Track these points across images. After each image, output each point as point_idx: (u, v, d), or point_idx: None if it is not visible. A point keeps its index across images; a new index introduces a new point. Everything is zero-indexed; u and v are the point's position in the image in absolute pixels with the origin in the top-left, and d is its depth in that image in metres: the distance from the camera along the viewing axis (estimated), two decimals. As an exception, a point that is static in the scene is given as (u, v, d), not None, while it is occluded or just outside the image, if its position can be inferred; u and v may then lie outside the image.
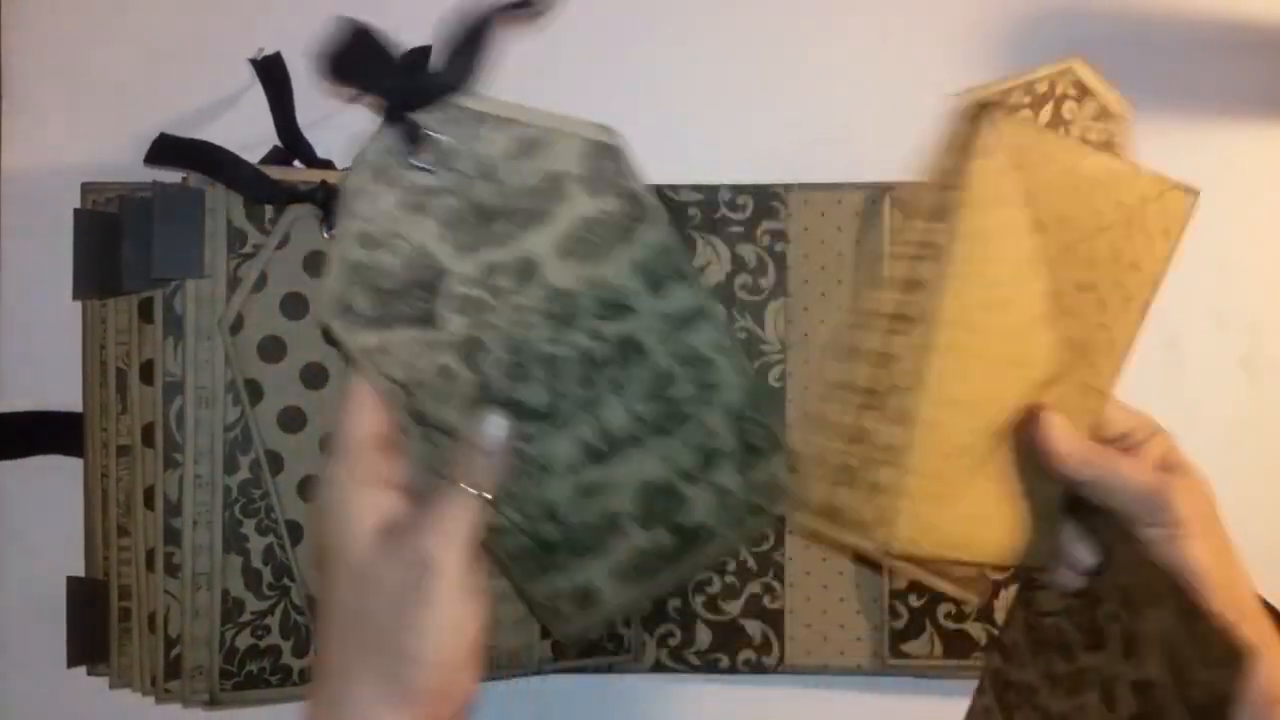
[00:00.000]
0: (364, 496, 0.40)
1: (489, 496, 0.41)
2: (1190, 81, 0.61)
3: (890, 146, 0.60)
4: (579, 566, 0.45)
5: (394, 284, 0.42)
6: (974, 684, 0.59)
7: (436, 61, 0.41)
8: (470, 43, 0.42)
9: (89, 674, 0.57)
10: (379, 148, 0.42)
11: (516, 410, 0.43)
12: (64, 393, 0.58)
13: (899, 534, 0.45)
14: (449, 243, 0.42)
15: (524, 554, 0.44)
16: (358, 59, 0.41)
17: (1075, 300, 0.46)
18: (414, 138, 0.41)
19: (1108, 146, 0.47)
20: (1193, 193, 0.48)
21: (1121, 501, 0.46)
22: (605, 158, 0.43)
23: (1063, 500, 0.48)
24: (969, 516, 0.46)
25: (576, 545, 0.45)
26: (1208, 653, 0.43)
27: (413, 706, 0.39)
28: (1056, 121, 0.47)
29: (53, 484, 0.59)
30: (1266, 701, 0.42)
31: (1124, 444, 0.48)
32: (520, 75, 0.60)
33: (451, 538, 0.39)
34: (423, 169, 0.41)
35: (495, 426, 0.42)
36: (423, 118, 0.41)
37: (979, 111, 0.44)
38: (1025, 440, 0.47)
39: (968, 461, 0.46)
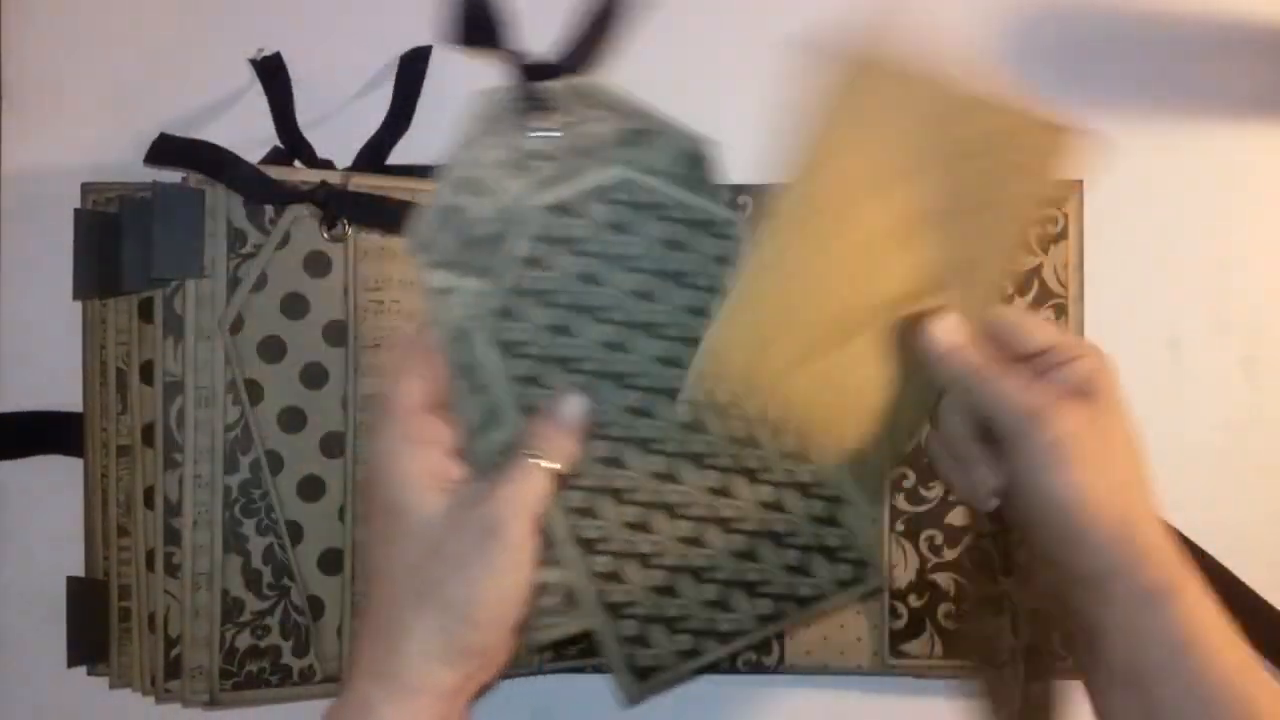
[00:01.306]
0: (420, 457, 0.41)
1: (560, 469, 0.42)
2: (1190, 81, 0.61)
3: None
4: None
5: (478, 233, 0.44)
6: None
7: (565, 39, 0.45)
8: (597, 26, 0.46)
9: (89, 674, 0.57)
10: (498, 104, 0.44)
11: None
12: (63, 393, 0.58)
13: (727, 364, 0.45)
14: (538, 206, 0.45)
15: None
16: (487, 23, 0.45)
17: (943, 222, 0.46)
18: (533, 105, 0.43)
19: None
20: (1066, 131, 0.47)
21: (997, 417, 0.43)
22: (694, 163, 0.47)
23: (953, 413, 0.46)
24: (807, 387, 0.46)
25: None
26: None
27: (464, 664, 0.40)
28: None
29: (52, 484, 0.59)
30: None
31: (1038, 364, 0.45)
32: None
33: (521, 508, 0.41)
34: (536, 134, 0.44)
35: (574, 405, 0.43)
36: (545, 88, 0.44)
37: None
38: (909, 340, 0.45)
39: (803, 339, 0.46)
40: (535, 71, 0.45)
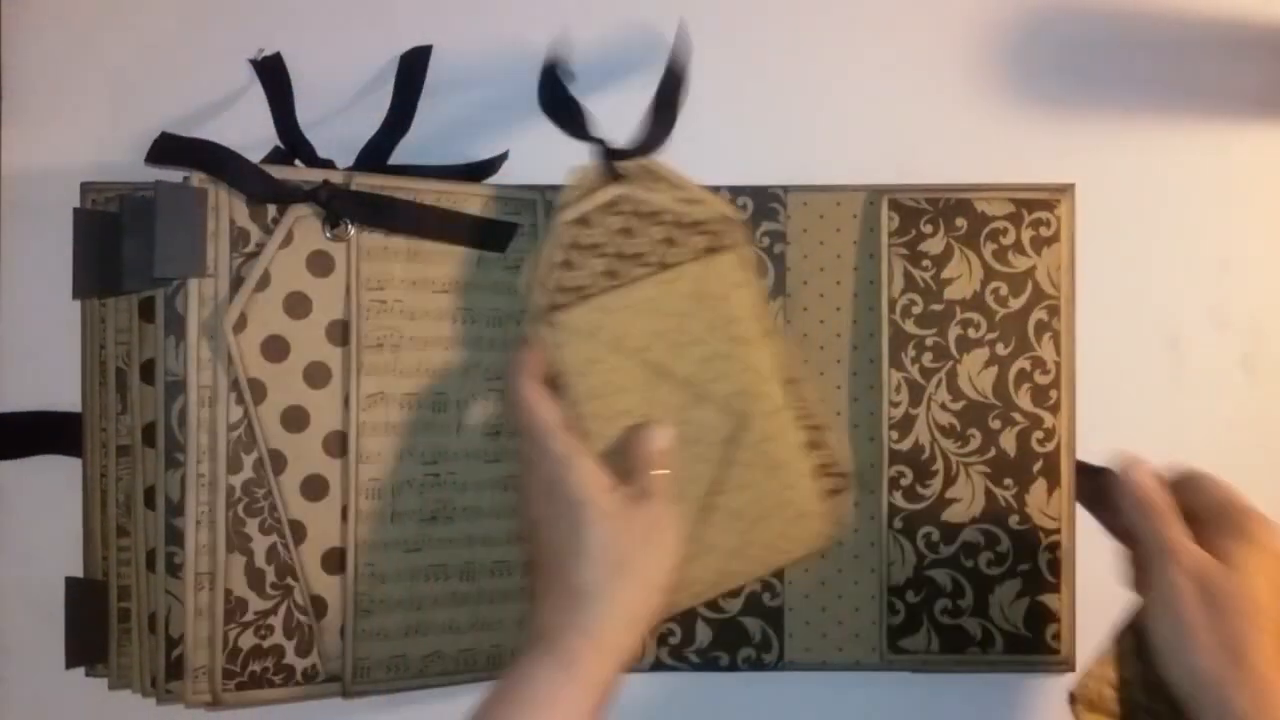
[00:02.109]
0: (586, 465, 0.51)
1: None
2: (1190, 81, 0.62)
3: (888, 149, 0.61)
4: None
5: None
6: (971, 677, 0.60)
7: (642, 124, 0.56)
8: (665, 110, 0.57)
9: (87, 675, 0.56)
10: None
11: None
12: (62, 393, 0.58)
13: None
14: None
15: None
16: (571, 110, 0.56)
17: (710, 371, 0.56)
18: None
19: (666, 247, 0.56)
20: (732, 249, 0.57)
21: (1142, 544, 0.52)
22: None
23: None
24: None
25: None
26: None
27: (642, 627, 0.50)
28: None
29: (51, 484, 0.58)
30: None
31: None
32: (529, 74, 0.61)
33: (674, 511, 0.52)
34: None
35: (663, 436, 0.54)
36: (621, 165, 0.56)
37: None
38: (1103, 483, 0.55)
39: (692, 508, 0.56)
40: (619, 154, 0.56)
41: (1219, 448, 0.61)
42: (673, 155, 0.61)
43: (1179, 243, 0.62)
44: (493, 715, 0.47)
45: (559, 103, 0.57)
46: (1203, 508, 0.51)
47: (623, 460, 0.53)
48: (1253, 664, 0.47)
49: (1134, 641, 0.52)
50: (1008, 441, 0.60)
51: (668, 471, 0.53)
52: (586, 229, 0.55)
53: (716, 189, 0.60)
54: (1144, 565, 0.51)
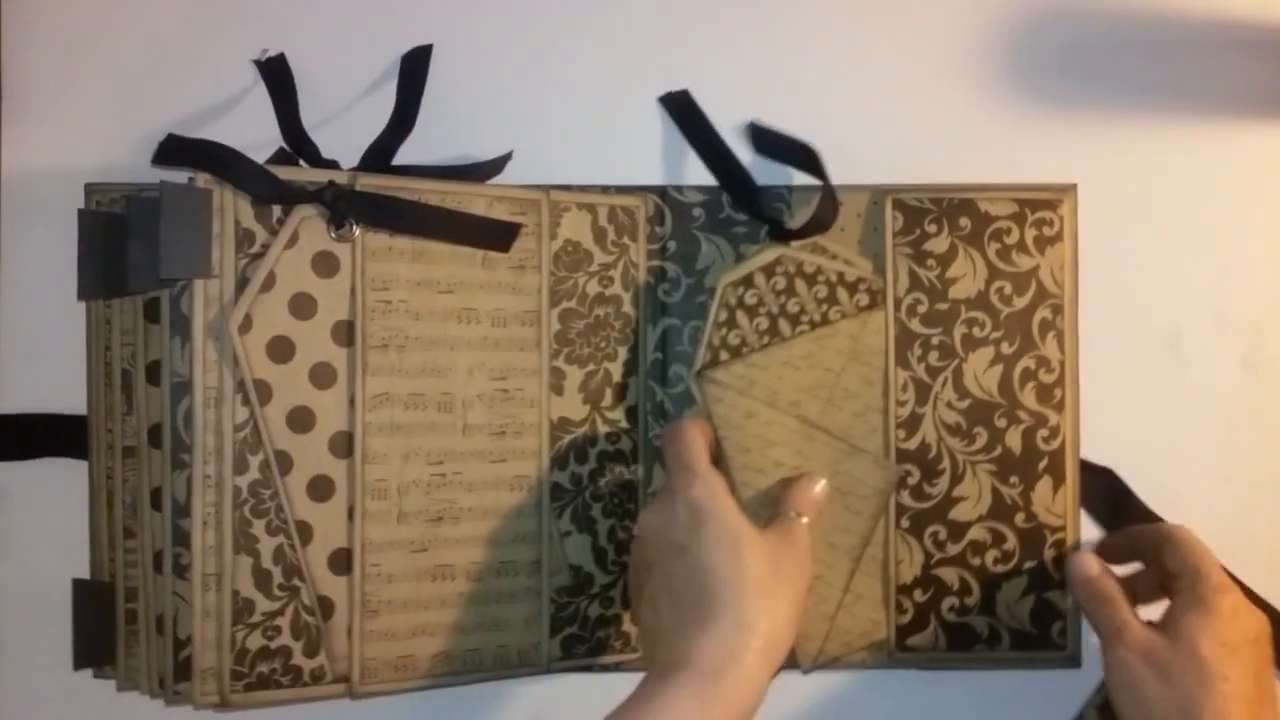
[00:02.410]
0: (730, 500, 0.53)
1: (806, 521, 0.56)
2: (1190, 81, 0.62)
3: (891, 148, 0.61)
4: None
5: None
6: (979, 675, 0.60)
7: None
8: (826, 200, 0.60)
9: (95, 676, 0.56)
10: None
11: None
12: (66, 395, 0.58)
13: None
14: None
15: None
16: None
17: (864, 425, 0.59)
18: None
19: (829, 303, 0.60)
20: (883, 307, 0.59)
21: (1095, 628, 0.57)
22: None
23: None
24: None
25: None
26: None
27: (774, 663, 0.50)
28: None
29: (55, 486, 0.58)
30: None
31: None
32: (536, 70, 0.61)
33: (810, 555, 0.55)
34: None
35: (819, 487, 0.57)
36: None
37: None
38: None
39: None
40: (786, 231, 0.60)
41: (1219, 448, 0.61)
42: (677, 157, 0.61)
43: (1179, 243, 0.62)
44: None
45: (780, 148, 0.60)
46: (1175, 572, 0.55)
47: (768, 508, 0.57)
48: None
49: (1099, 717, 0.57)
50: (1013, 440, 0.60)
51: (808, 520, 0.55)
52: (749, 288, 0.59)
53: (719, 187, 0.60)
54: (1103, 646, 0.56)
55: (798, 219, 0.60)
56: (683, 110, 0.61)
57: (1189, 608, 0.53)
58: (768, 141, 0.60)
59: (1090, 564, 0.57)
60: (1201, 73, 0.62)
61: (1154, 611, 0.56)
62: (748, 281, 0.59)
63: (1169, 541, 0.55)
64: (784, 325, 0.59)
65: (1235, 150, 0.62)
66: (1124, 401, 0.61)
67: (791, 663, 0.59)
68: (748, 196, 0.60)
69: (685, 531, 0.52)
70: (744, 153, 0.61)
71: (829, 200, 0.59)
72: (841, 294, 0.59)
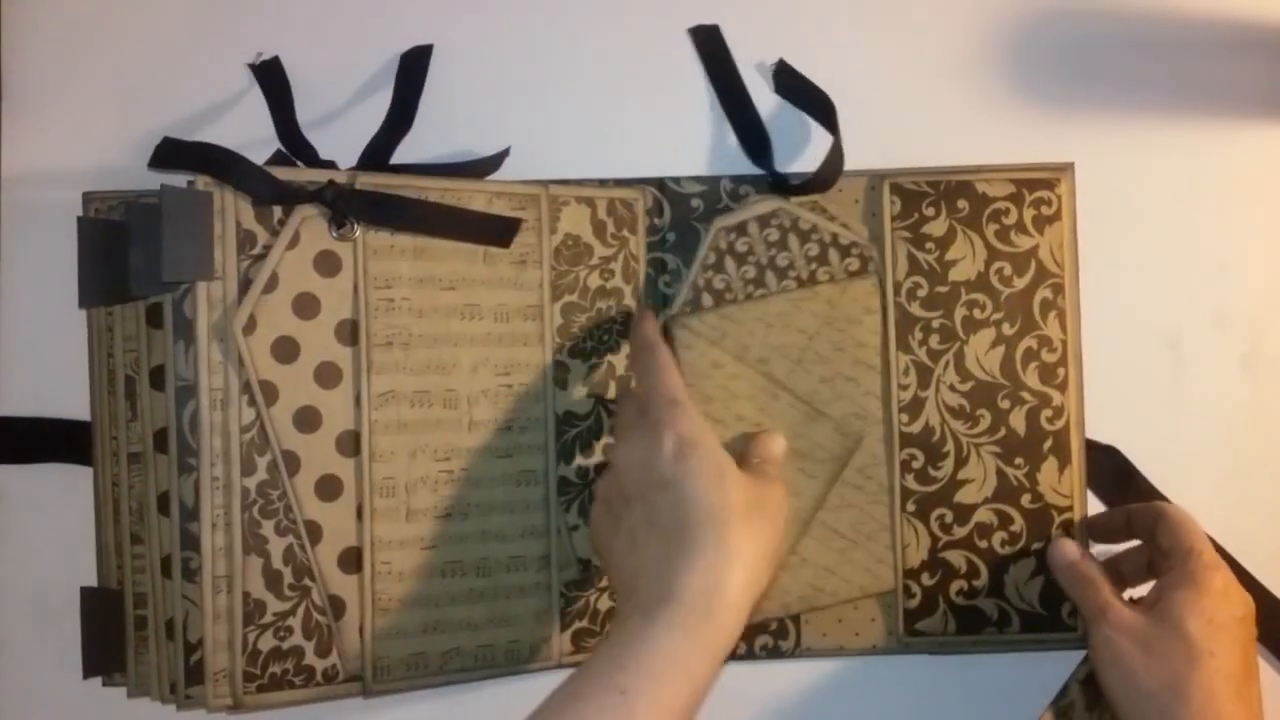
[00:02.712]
0: (714, 434, 0.52)
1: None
2: (1190, 81, 0.62)
3: (888, 133, 0.61)
4: None
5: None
6: (987, 657, 0.60)
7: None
8: (832, 157, 0.60)
9: (105, 684, 0.56)
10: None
11: None
12: (67, 400, 0.58)
13: None
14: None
15: None
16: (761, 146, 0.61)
17: (830, 390, 0.59)
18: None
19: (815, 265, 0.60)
20: (873, 275, 0.59)
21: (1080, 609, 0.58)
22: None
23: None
24: None
25: None
26: None
27: (751, 600, 0.49)
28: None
29: (60, 492, 0.58)
30: None
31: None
32: (531, 66, 0.61)
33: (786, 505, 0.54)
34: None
35: (779, 444, 0.56)
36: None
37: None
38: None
39: None
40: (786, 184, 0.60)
41: (1219, 447, 0.62)
42: (674, 146, 0.61)
43: (1179, 241, 0.62)
44: (613, 682, 0.46)
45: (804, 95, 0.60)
46: (1167, 549, 0.55)
47: (738, 456, 0.55)
48: (1193, 696, 0.50)
49: (1084, 696, 0.57)
50: (1017, 421, 0.60)
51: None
52: (742, 236, 0.59)
53: (718, 179, 0.60)
54: (1087, 626, 0.56)
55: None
56: (710, 46, 0.61)
57: (1178, 584, 0.53)
58: (790, 84, 0.61)
59: (1069, 549, 0.57)
60: (1201, 73, 0.62)
61: (1142, 594, 0.56)
62: (741, 229, 0.59)
63: (1162, 519, 0.56)
64: (770, 277, 0.59)
65: (1235, 150, 0.62)
66: (1123, 403, 0.61)
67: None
68: (759, 148, 0.60)
69: (671, 463, 0.51)
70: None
71: (836, 156, 0.59)
72: (833, 255, 0.59)
